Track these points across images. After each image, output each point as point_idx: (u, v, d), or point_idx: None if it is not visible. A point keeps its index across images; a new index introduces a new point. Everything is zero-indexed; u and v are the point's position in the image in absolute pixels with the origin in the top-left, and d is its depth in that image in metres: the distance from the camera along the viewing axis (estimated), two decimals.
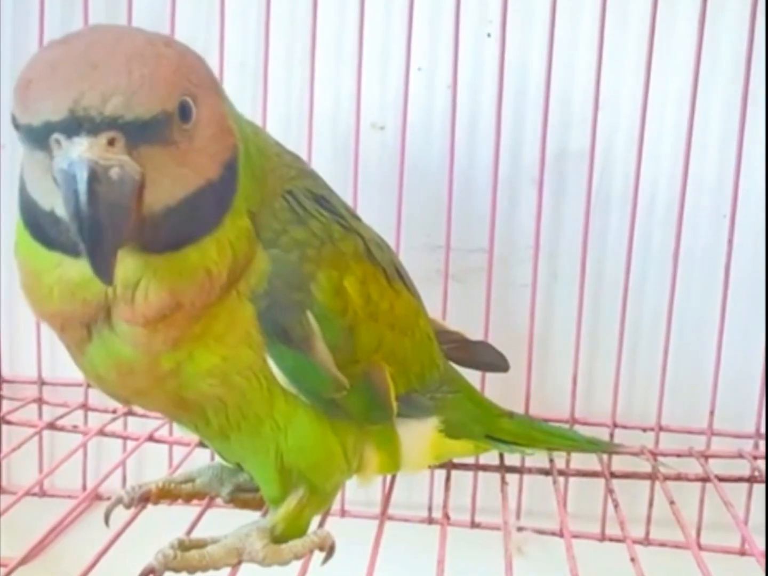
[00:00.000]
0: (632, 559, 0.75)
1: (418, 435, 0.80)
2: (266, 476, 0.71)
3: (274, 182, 0.66)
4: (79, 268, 0.57)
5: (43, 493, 1.10)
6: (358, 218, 0.75)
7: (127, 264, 0.57)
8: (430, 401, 0.80)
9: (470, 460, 0.97)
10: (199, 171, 0.57)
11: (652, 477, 0.96)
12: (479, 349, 0.96)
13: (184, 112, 0.56)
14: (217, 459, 0.87)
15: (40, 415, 1.11)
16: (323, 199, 0.69)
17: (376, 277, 0.71)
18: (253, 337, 0.63)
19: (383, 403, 0.72)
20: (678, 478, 0.95)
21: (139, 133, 0.53)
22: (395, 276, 0.75)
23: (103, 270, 0.52)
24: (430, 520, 1.03)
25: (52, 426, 1.03)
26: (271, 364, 0.64)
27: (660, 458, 0.99)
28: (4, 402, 1.11)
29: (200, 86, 0.58)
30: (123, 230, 0.53)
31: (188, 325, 0.60)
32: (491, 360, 0.96)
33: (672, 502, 0.87)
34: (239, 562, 0.69)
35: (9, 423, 1.06)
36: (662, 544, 0.99)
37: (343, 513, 1.06)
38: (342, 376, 0.67)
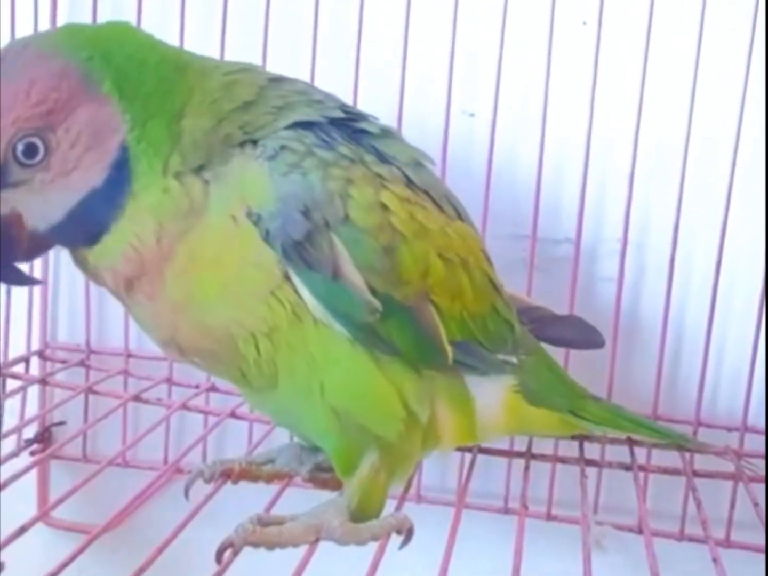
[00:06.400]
0: (714, 560, 0.74)
1: (493, 393, 0.77)
2: (319, 426, 0.70)
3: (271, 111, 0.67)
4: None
5: (125, 464, 1.11)
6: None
7: (86, 255, 0.66)
8: (501, 361, 0.77)
9: (549, 450, 0.96)
10: (75, 188, 0.63)
11: (735, 477, 0.94)
12: (569, 323, 0.93)
13: (29, 151, 0.61)
14: (296, 438, 0.88)
15: (126, 387, 1.14)
16: (356, 132, 0.69)
17: (419, 199, 0.69)
18: (262, 257, 0.64)
19: (432, 341, 0.70)
20: (763, 479, 0.93)
21: None
22: (445, 202, 0.73)
23: (8, 277, 0.68)
24: (506, 510, 1.02)
25: (137, 398, 1.05)
26: (298, 284, 0.64)
27: (745, 459, 0.97)
28: (92, 373, 1.14)
29: (62, 109, 0.61)
30: (15, 251, 0.64)
31: (158, 279, 0.65)
32: (584, 336, 0.92)
33: (756, 504, 0.86)
34: (317, 540, 0.69)
35: (96, 393, 1.09)
36: (743, 547, 0.96)
37: (419, 498, 1.05)
38: (373, 298, 0.65)
